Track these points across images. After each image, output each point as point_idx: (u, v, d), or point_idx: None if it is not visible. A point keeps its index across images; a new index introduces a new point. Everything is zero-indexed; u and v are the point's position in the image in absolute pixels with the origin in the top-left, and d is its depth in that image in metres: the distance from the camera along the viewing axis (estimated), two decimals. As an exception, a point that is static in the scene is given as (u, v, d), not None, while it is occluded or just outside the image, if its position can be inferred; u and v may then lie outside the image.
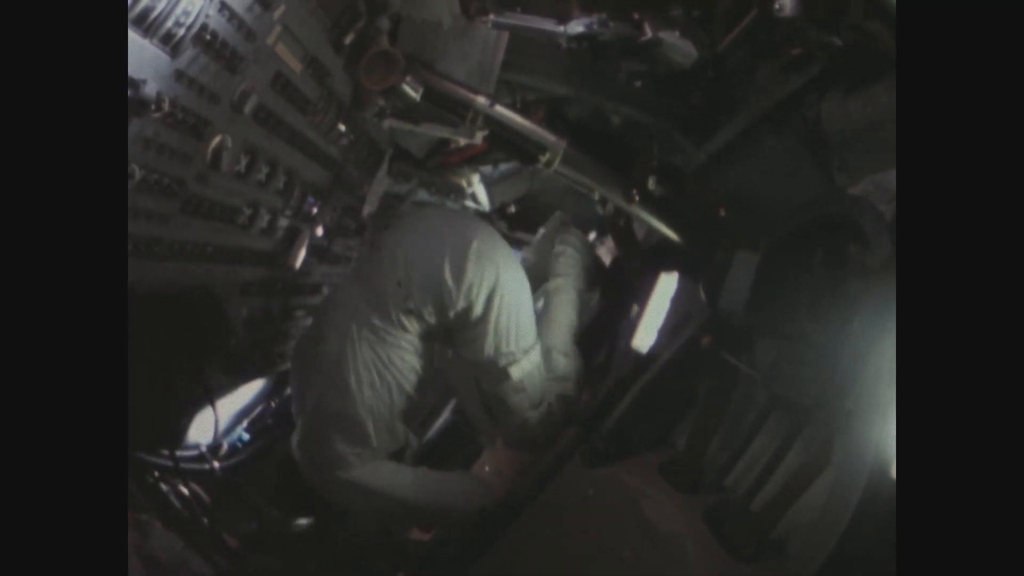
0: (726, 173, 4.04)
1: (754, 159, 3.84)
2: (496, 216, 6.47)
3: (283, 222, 4.13)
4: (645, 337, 4.40)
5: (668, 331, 4.22)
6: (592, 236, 5.91)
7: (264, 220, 3.90)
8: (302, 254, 4.48)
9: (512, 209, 6.40)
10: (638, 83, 4.03)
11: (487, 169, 6.09)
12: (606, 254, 5.83)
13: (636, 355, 4.36)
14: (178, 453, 4.68)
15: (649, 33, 3.65)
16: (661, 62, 3.73)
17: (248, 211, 3.72)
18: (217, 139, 3.20)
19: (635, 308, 4.72)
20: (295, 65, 3.62)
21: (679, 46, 3.64)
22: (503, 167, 6.10)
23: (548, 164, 4.14)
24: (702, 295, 3.73)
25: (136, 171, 2.71)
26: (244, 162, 3.51)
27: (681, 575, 3.02)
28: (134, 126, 2.65)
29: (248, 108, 3.30)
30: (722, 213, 4.15)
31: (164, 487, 4.22)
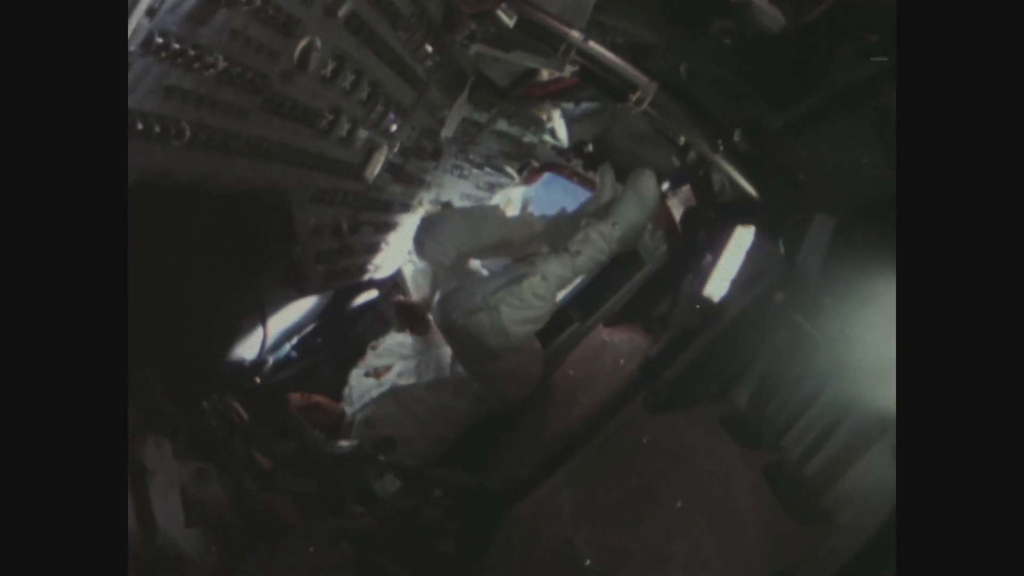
0: (803, 142, 3.98)
1: (828, 136, 3.78)
2: (573, 154, 6.43)
3: (363, 133, 4.09)
4: (718, 286, 4.36)
5: (741, 283, 4.18)
6: (666, 186, 5.84)
7: (344, 128, 3.87)
8: (378, 169, 4.45)
9: (589, 148, 6.32)
10: (727, 41, 3.97)
11: (569, 106, 6.04)
12: (678, 205, 5.78)
13: (706, 304, 4.32)
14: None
15: (741, -8, 3.59)
16: (750, 23, 3.66)
17: (329, 116, 3.68)
18: (306, 40, 3.16)
19: (707, 258, 4.67)
20: (393, -24, 3.58)
21: (768, 11, 3.57)
22: (584, 105, 6.05)
23: (639, 103, 4.10)
24: (782, 249, 3.69)
25: (220, 61, 2.68)
26: (331, 67, 3.47)
27: (736, 530, 3.00)
28: (222, 15, 2.60)
29: (342, 13, 3.25)
30: (801, 177, 4.09)
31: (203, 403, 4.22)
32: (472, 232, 6.07)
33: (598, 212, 5.75)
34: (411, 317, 6.49)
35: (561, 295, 6.49)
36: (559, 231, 5.99)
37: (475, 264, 6.47)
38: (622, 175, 5.81)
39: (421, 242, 6.01)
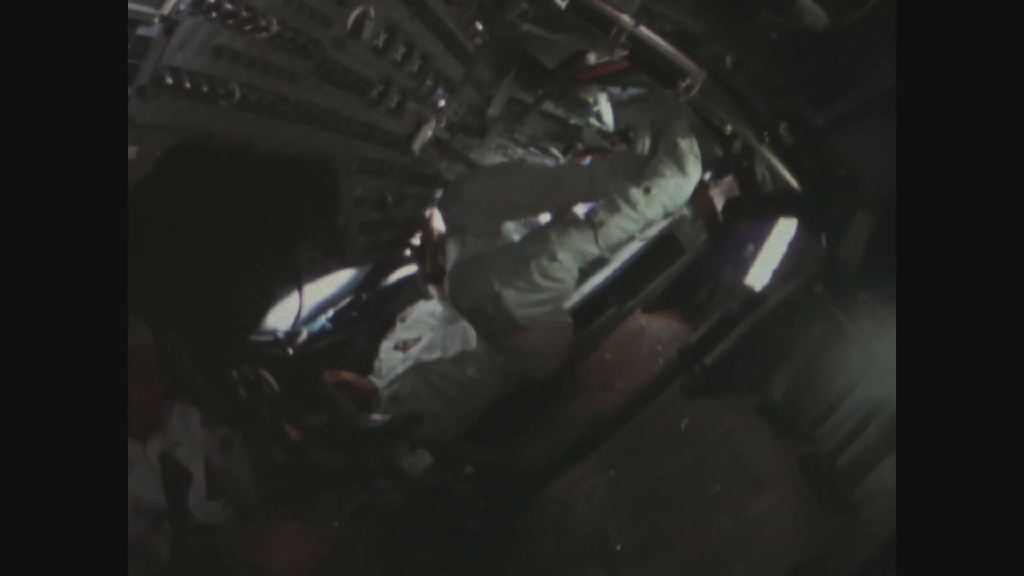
0: (843, 139, 3.98)
1: (867, 135, 3.77)
2: (618, 139, 6.41)
3: (412, 106, 4.09)
4: (760, 276, 4.38)
5: (782, 274, 4.18)
6: (707, 176, 5.79)
7: (393, 100, 3.88)
8: (425, 142, 4.46)
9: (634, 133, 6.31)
10: (773, 34, 3.97)
11: (615, 90, 6.03)
12: (719, 195, 5.75)
13: (747, 292, 4.31)
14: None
15: (788, -13, 3.58)
16: (795, 19, 3.66)
17: (380, 87, 3.68)
18: (360, 8, 3.17)
19: (749, 248, 4.67)
20: (448, -51, 3.59)
21: (812, 8, 3.57)
22: (631, 91, 6.03)
23: (688, 90, 4.09)
24: (823, 242, 3.69)
25: (273, 24, 2.68)
26: (383, 37, 3.47)
27: (769, 518, 3.01)
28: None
29: (397, -17, 3.28)
30: (842, 173, 4.09)
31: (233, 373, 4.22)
32: (499, 193, 5.65)
33: (629, 171, 5.34)
34: (425, 256, 6.16)
35: (599, 278, 6.44)
36: (595, 184, 5.54)
37: (509, 227, 6.08)
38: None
39: (447, 208, 5.73)
